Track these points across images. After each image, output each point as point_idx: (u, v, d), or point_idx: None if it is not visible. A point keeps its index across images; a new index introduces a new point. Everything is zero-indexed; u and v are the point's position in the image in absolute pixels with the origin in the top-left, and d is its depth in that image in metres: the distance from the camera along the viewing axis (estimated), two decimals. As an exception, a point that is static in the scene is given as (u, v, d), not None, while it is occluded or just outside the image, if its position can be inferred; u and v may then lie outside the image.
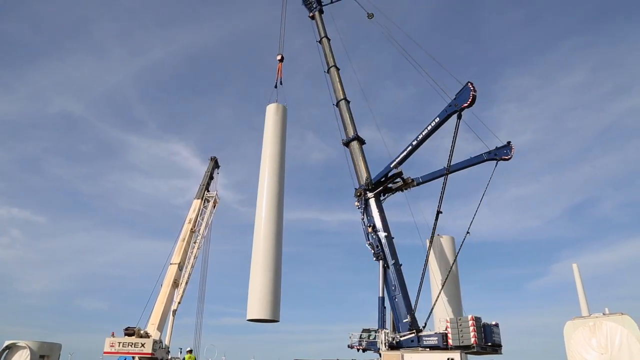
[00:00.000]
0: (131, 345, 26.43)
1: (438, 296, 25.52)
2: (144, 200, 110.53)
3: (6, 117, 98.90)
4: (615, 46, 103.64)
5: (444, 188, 25.23)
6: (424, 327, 24.27)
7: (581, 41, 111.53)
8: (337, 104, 33.43)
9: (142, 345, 26.43)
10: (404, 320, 24.43)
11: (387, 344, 23.85)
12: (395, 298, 25.36)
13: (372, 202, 28.46)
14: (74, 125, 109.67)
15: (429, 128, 26.11)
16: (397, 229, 28.01)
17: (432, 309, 25.23)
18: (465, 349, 21.44)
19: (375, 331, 25.05)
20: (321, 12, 37.76)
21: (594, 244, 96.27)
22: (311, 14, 38.05)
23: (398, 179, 28.83)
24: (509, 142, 25.65)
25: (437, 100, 25.88)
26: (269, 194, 30.35)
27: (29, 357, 24.65)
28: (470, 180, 52.40)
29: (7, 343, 25.07)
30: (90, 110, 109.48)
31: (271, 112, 33.74)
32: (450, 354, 21.61)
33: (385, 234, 27.09)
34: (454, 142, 24.69)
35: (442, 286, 25.87)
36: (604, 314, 18.00)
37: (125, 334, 26.98)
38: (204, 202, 35.63)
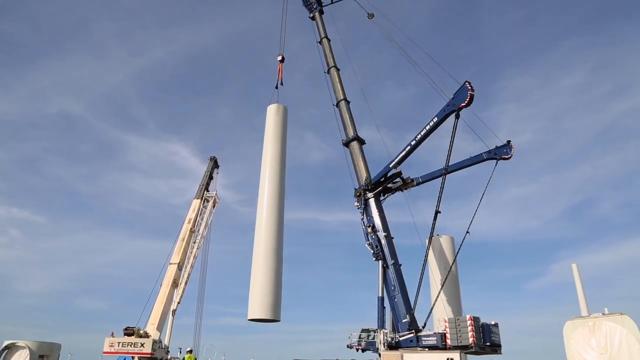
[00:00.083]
0: (131, 345, 26.41)
1: (437, 296, 25.51)
2: (143, 200, 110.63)
3: (6, 117, 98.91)
4: (615, 46, 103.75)
5: (442, 188, 25.25)
6: (423, 327, 24.25)
7: (581, 41, 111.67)
8: (337, 105, 33.46)
9: (142, 345, 26.41)
10: (404, 320, 24.42)
11: (386, 344, 23.84)
12: (395, 298, 25.35)
13: (372, 202, 28.46)
14: (73, 125, 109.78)
15: (428, 128, 26.11)
16: (397, 229, 28.08)
17: (432, 309, 25.23)
18: (463, 349, 21.42)
19: (374, 331, 25.03)
20: (321, 12, 37.80)
21: (593, 244, 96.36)
22: (311, 15, 38.08)
23: (397, 179, 28.85)
24: (508, 141, 25.56)
25: (437, 100, 25.94)
26: (270, 195, 30.40)
27: (28, 357, 24.63)
28: (470, 181, 52.52)
29: (6, 343, 25.05)
30: (89, 110, 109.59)
31: (272, 112, 33.79)
32: (449, 354, 21.60)
33: (385, 234, 27.09)
34: (452, 141, 24.70)
35: (442, 286, 25.87)
36: (603, 314, 18.02)
37: (125, 334, 26.96)
38: (204, 202, 35.62)
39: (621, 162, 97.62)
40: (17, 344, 24.95)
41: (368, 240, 27.48)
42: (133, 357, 26.61)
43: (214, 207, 36.14)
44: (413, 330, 23.74)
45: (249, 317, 27.16)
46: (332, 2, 38.61)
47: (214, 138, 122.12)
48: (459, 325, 21.90)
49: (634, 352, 16.43)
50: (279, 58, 36.79)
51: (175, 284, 31.28)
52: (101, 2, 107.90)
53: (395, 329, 24.90)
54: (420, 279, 24.88)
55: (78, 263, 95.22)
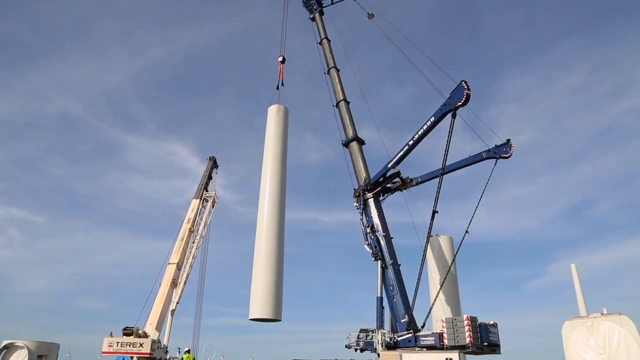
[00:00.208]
0: (129, 345, 26.36)
1: (437, 296, 25.51)
2: (142, 200, 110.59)
3: (5, 117, 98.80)
4: (614, 46, 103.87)
5: (439, 188, 25.23)
6: (422, 327, 24.24)
7: (581, 41, 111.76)
8: (337, 105, 33.49)
9: (141, 345, 26.37)
10: (402, 320, 24.41)
11: (384, 344, 23.84)
12: (394, 298, 25.34)
13: (371, 203, 28.45)
14: (73, 125, 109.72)
15: (425, 127, 26.08)
16: (396, 229, 28.07)
17: (431, 309, 25.23)
18: (460, 348, 21.39)
19: (373, 331, 25.03)
20: (321, 13, 37.84)
21: (592, 244, 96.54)
22: (312, 16, 38.11)
23: (397, 179, 28.84)
24: (508, 140, 25.39)
25: (437, 100, 25.90)
26: (271, 195, 30.50)
27: (26, 357, 24.57)
28: (469, 181, 52.58)
29: (5, 343, 24.99)
30: (89, 110, 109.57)
31: (273, 113, 33.86)
32: (448, 354, 21.59)
33: (384, 234, 27.08)
34: (449, 141, 24.67)
35: (441, 286, 25.87)
36: (602, 314, 18.00)
37: (124, 334, 26.91)
38: (203, 201, 35.63)
39: (620, 163, 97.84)
40: (16, 344, 24.89)
41: (367, 240, 27.45)
42: (132, 357, 26.56)
43: (213, 207, 36.15)
44: (411, 330, 23.74)
45: (251, 317, 27.22)
46: (332, 3, 38.69)
47: (213, 138, 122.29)
48: (456, 325, 21.87)
49: (632, 352, 16.43)
50: (280, 59, 36.83)
51: (174, 284, 31.26)
52: (101, 2, 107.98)
53: (394, 329, 24.91)
54: (419, 279, 24.87)
55: (77, 263, 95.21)
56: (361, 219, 28.61)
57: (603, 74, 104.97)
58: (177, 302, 32.14)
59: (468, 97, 23.78)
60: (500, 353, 22.97)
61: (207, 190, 36.32)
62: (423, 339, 23.06)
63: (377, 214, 27.98)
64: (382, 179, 28.71)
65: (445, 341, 21.91)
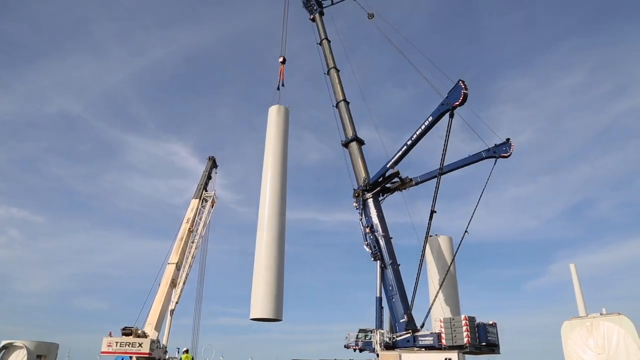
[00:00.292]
0: (129, 345, 26.35)
1: (436, 296, 25.49)
2: (142, 200, 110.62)
3: (5, 117, 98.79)
4: (614, 46, 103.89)
5: (437, 188, 25.16)
6: (421, 327, 24.23)
7: (580, 42, 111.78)
8: (337, 105, 33.48)
9: (140, 345, 26.36)
10: (401, 320, 24.41)
11: (382, 344, 23.83)
12: (393, 298, 25.33)
13: (370, 203, 28.44)
14: (72, 125, 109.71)
15: (423, 127, 26.01)
16: (395, 230, 28.05)
17: (430, 309, 25.22)
18: (458, 348, 21.37)
19: (371, 331, 25.03)
20: (322, 14, 37.84)
21: (591, 244, 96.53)
22: (312, 17, 38.11)
23: (396, 179, 28.82)
24: (508, 139, 25.27)
25: (437, 100, 25.87)
26: (271, 195, 30.56)
27: (25, 356, 24.55)
28: (469, 181, 52.48)
29: (4, 343, 24.96)
30: (89, 110, 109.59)
31: (273, 113, 33.89)
32: (447, 354, 21.58)
33: (383, 234, 27.06)
34: (446, 140, 24.63)
35: (440, 286, 25.85)
36: (601, 314, 17.98)
37: (123, 334, 26.89)
38: (202, 201, 35.63)
39: (620, 163, 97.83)
40: (15, 344, 24.86)
41: (366, 240, 27.43)
42: (131, 357, 26.56)
43: (212, 207, 36.14)
44: (410, 330, 23.73)
45: (252, 317, 27.26)
46: (332, 3, 38.69)
47: (213, 138, 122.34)
48: (454, 325, 21.86)
49: (631, 352, 16.41)
50: (280, 60, 36.85)
51: (173, 284, 31.24)
52: (101, 2, 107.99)
53: (393, 329, 24.90)
54: (417, 279, 24.83)
55: (77, 263, 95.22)
56: (360, 219, 28.61)
57: (603, 74, 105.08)
58: (177, 302, 32.14)
59: (465, 96, 23.74)
60: (499, 353, 22.94)
61: (206, 190, 36.31)
62: (421, 339, 23.05)
63: (376, 214, 27.96)
64: (381, 179, 28.68)
65: (443, 341, 21.90)
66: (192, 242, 34.09)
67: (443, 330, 22.09)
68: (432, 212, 24.99)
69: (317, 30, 37.34)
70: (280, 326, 29.57)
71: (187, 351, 28.90)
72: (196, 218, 34.69)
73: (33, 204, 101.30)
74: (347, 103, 33.16)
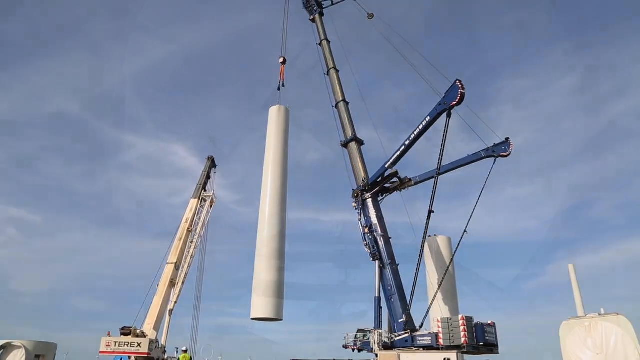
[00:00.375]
0: (127, 345, 26.35)
1: (435, 296, 25.48)
2: (141, 199, 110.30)
3: (3, 116, 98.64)
4: (614, 46, 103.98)
5: (435, 188, 25.16)
6: (420, 327, 24.22)
7: (580, 42, 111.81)
8: (336, 106, 33.45)
9: (139, 344, 26.35)
10: (400, 320, 24.41)
11: (380, 344, 23.83)
12: (392, 298, 25.31)
13: (369, 203, 28.41)
14: (70, 125, 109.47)
15: (421, 127, 25.96)
16: (395, 230, 27.98)
17: (429, 309, 25.21)
18: (456, 348, 21.36)
19: (370, 331, 25.03)
20: (321, 14, 37.85)
21: (590, 244, 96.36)
22: (312, 17, 38.11)
23: (395, 179, 28.80)
24: (507, 139, 25.14)
25: (436, 100, 25.84)
26: (272, 195, 30.64)
27: (24, 356, 24.54)
28: (468, 181, 52.25)
29: (2, 342, 24.93)
30: (87, 109, 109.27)
31: (274, 113, 33.88)
32: (446, 354, 21.59)
33: (382, 234, 27.05)
34: (444, 140, 24.61)
35: (439, 286, 25.84)
36: (599, 315, 18.02)
37: (122, 334, 26.89)
38: (201, 201, 35.61)
39: (620, 163, 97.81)
40: (13, 344, 24.85)
41: (365, 241, 27.41)
42: (130, 357, 26.54)
43: (211, 206, 36.15)
44: (409, 330, 23.72)
45: (252, 316, 27.29)
46: (332, 4, 38.70)
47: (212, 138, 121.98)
48: (451, 325, 21.84)
49: (629, 352, 16.44)
50: (281, 60, 36.87)
51: (172, 284, 31.25)
52: (101, 2, 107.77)
53: (391, 329, 24.89)
54: (415, 279, 24.83)
55: (75, 262, 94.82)
56: (359, 219, 28.60)
57: (602, 74, 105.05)
58: (175, 302, 32.16)
59: (463, 96, 23.73)
60: (497, 353, 22.91)
61: (205, 190, 36.30)
62: (420, 338, 23.04)
63: (375, 214, 27.93)
64: (380, 179, 28.65)
65: (441, 341, 21.89)
66: (191, 242, 34.11)
67: (441, 330, 22.08)
68: (430, 212, 24.99)
69: (316, 31, 37.35)
70: (279, 326, 29.68)
71: (185, 351, 28.85)
72: (195, 218, 34.68)
73: (30, 203, 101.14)
74: (347, 103, 33.17)
